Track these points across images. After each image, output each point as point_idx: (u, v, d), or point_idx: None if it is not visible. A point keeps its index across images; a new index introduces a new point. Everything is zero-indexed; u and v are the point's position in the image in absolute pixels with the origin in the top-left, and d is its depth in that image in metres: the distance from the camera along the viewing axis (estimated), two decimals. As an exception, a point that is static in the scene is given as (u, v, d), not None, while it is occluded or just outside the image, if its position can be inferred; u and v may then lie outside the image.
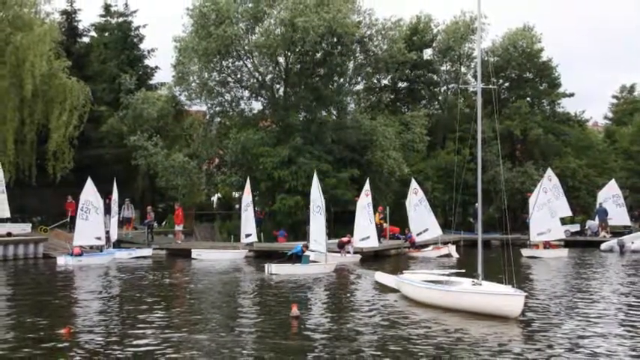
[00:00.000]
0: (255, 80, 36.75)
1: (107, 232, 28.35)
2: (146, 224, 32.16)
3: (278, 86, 37.45)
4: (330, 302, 16.35)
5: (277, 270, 21.65)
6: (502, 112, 40.71)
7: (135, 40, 41.23)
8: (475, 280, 14.89)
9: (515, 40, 43.47)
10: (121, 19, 41.34)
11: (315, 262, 23.59)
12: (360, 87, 42.18)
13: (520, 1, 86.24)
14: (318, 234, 24.17)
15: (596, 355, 10.29)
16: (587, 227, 37.64)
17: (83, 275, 21.92)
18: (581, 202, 41.46)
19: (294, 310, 13.46)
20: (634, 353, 10.39)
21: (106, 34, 41.11)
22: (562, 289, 18.11)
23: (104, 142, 36.16)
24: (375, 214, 28.51)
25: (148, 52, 41.83)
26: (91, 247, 27.88)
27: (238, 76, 36.71)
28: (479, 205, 16.60)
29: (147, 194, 39.33)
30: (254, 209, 29.62)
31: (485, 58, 34.50)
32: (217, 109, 37.48)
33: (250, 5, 34.25)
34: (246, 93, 37.36)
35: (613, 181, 38.43)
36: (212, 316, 13.91)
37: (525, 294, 13.54)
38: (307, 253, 23.29)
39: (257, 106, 38.04)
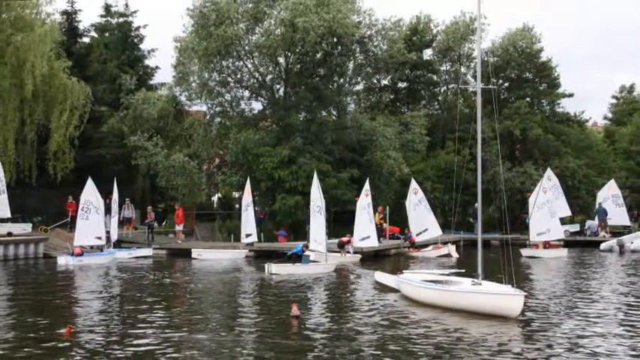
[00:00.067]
0: (255, 80, 36.78)
1: (107, 232, 28.37)
2: (146, 224, 32.16)
3: (278, 86, 37.49)
4: (330, 302, 16.36)
5: (277, 270, 21.67)
6: (502, 112, 40.65)
7: (135, 40, 41.35)
8: (475, 280, 14.91)
9: (515, 40, 43.41)
10: (121, 20, 41.47)
11: (315, 261, 23.62)
12: (359, 87, 42.23)
13: (520, 1, 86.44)
14: (318, 234, 24.21)
15: (595, 354, 10.30)
16: (586, 227, 37.59)
17: (83, 275, 21.93)
18: (581, 202, 41.40)
19: (294, 310, 13.49)
20: (634, 353, 10.41)
21: (107, 34, 41.22)
22: (562, 289, 18.12)
23: (104, 142, 36.14)
24: (374, 214, 28.55)
25: (149, 52, 42.00)
26: (92, 247, 27.88)
27: (238, 76, 36.73)
28: (479, 205, 16.63)
29: (147, 194, 39.33)
30: (254, 209, 29.66)
31: (485, 59, 34.41)
32: (217, 109, 37.49)
33: (250, 5, 34.32)
34: (247, 93, 37.47)
35: (612, 181, 38.46)
36: (212, 316, 13.93)
37: (525, 294, 13.56)
38: (307, 252, 23.27)
39: (257, 106, 38.21)
